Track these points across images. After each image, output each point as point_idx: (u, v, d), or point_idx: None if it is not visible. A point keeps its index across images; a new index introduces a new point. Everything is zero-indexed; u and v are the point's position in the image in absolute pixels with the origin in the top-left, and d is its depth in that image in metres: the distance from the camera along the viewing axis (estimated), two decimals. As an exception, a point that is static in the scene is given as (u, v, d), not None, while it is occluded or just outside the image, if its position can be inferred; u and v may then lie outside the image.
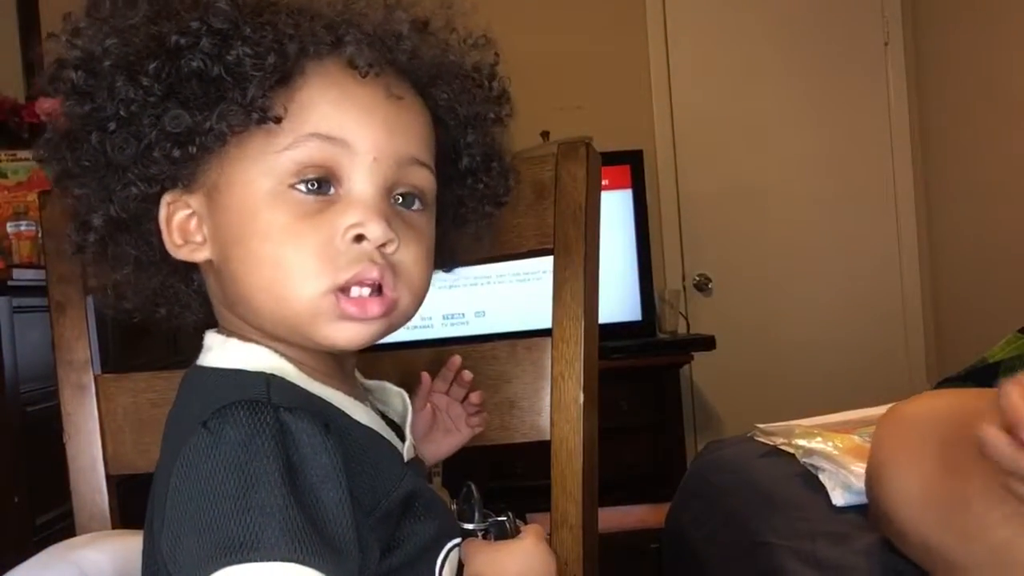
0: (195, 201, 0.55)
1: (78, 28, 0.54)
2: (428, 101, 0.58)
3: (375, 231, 0.52)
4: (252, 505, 0.45)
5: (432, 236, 0.58)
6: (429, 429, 0.73)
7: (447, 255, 0.65)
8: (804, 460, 1.12)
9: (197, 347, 0.58)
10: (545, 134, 2.71)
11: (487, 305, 2.65)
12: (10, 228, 1.98)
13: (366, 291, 0.52)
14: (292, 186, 0.52)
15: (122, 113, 0.52)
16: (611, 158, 2.54)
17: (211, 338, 0.57)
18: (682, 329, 2.91)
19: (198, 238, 0.56)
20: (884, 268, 3.14)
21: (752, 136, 3.08)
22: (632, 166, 2.76)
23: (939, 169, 3.06)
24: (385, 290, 0.53)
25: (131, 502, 0.82)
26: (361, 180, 0.53)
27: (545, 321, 0.81)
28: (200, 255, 0.56)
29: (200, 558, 0.44)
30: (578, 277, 0.80)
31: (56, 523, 1.75)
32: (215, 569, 0.44)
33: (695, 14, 3.09)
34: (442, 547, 0.58)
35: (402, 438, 0.60)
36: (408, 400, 0.63)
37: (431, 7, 0.58)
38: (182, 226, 0.56)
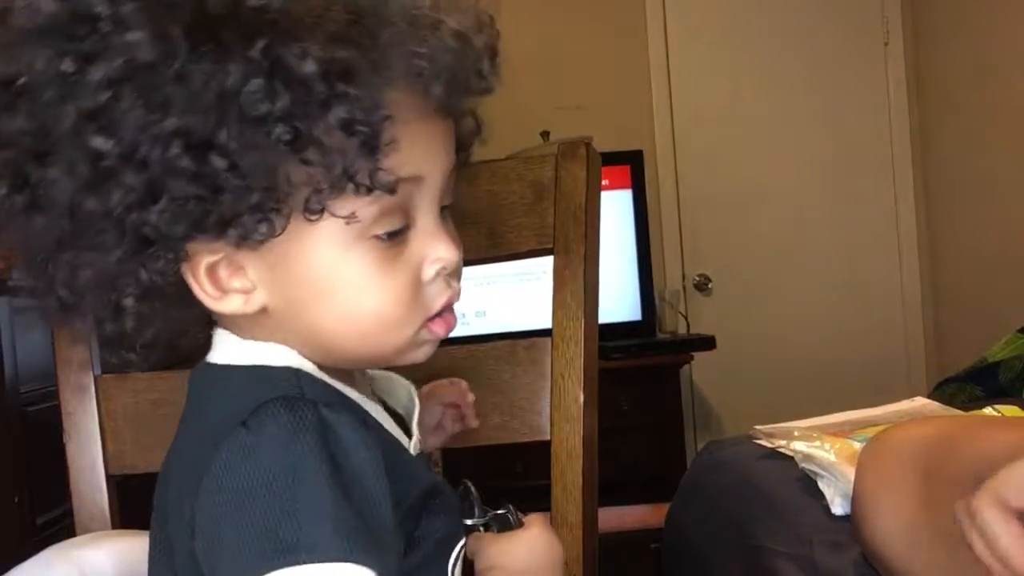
0: (228, 248, 0.48)
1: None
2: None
3: (453, 259, 0.52)
4: (301, 504, 0.44)
5: None
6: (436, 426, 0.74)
7: None
8: (803, 465, 1.12)
9: (200, 344, 0.55)
10: (545, 134, 2.71)
11: (487, 305, 2.65)
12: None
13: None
14: (372, 236, 0.49)
15: (184, 192, 0.44)
16: (611, 158, 2.54)
17: (222, 335, 0.54)
18: (682, 329, 2.92)
19: (235, 284, 0.50)
20: (884, 268, 3.14)
21: (752, 136, 3.08)
22: (632, 166, 2.76)
23: (939, 169, 3.06)
24: None
25: (131, 502, 0.82)
26: (429, 212, 0.52)
27: (545, 321, 0.81)
28: (252, 306, 0.50)
29: (249, 560, 0.43)
30: (578, 277, 0.80)
31: (56, 523, 1.75)
32: (268, 571, 0.43)
33: (695, 14, 3.09)
34: (453, 546, 0.57)
35: (407, 432, 0.59)
36: (415, 393, 0.62)
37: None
38: (210, 273, 0.49)
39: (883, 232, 3.14)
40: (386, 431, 0.55)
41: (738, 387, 3.03)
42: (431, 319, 0.53)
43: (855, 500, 0.85)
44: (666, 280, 3.05)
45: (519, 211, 0.81)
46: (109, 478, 0.83)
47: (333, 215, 0.47)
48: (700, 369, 2.97)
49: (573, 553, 0.77)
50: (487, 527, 0.61)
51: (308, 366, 0.52)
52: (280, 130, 0.43)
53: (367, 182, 0.46)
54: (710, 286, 3.12)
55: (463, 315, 2.59)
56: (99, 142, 0.43)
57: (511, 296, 2.61)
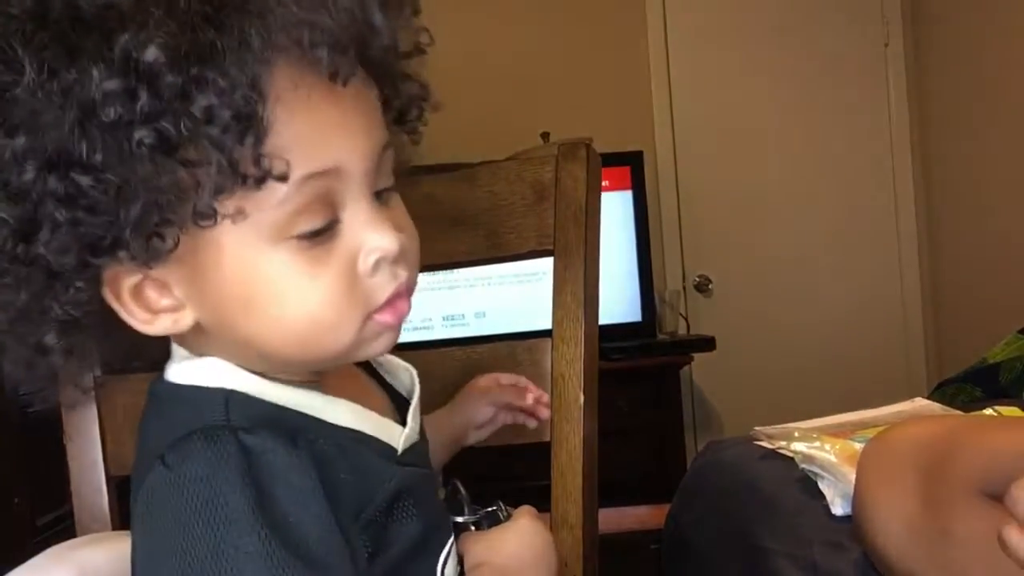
0: (148, 269, 0.46)
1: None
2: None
3: (392, 247, 0.48)
4: (226, 546, 0.43)
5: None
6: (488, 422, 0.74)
7: None
8: (803, 466, 1.12)
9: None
10: (545, 135, 2.71)
11: (487, 306, 2.65)
12: None
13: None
14: (295, 237, 0.46)
15: (60, 217, 0.41)
16: (611, 159, 2.54)
17: (175, 347, 0.52)
18: (682, 330, 2.91)
19: (164, 303, 0.48)
20: (884, 268, 3.14)
21: (752, 137, 3.08)
22: (632, 167, 2.76)
23: (939, 169, 3.06)
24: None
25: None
26: (356, 198, 0.47)
27: (545, 322, 0.81)
28: (183, 324, 0.48)
29: None
30: (578, 278, 0.80)
31: (57, 524, 1.75)
32: None
33: (695, 15, 3.09)
34: (441, 546, 0.56)
35: (403, 422, 0.57)
36: (416, 377, 0.61)
37: None
38: (135, 295, 0.47)
39: (883, 232, 3.14)
40: (352, 434, 0.52)
41: (738, 388, 3.03)
42: (377, 310, 0.49)
43: (856, 498, 0.85)
44: (666, 281, 3.05)
45: (519, 212, 0.81)
46: (109, 478, 0.83)
47: (229, 216, 0.43)
48: (700, 370, 2.97)
49: (573, 553, 0.77)
50: (478, 525, 0.61)
51: (247, 382, 0.49)
52: (142, 134, 0.40)
53: (255, 172, 0.42)
54: (710, 287, 3.12)
55: (463, 315, 2.61)
56: None
57: (511, 297, 2.61)
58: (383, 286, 0.49)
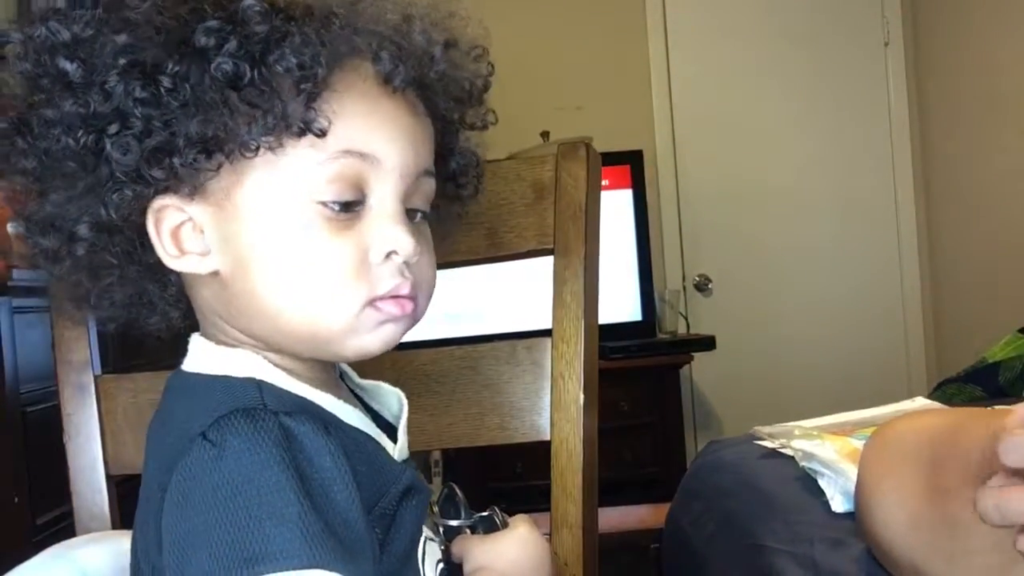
0: (195, 208, 0.52)
1: (73, 15, 0.50)
2: (428, 104, 0.58)
3: (407, 248, 0.51)
4: (266, 515, 0.44)
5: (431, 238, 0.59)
6: None
7: None
8: (803, 464, 1.12)
9: (182, 350, 0.56)
10: (545, 134, 2.72)
11: (487, 305, 2.65)
12: (10, 228, 1.97)
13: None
14: (323, 203, 0.50)
15: (135, 115, 0.48)
16: (611, 158, 2.54)
17: (197, 342, 0.55)
18: (682, 329, 2.91)
19: (196, 247, 0.52)
20: (884, 268, 3.14)
21: (752, 136, 3.08)
22: (632, 166, 2.76)
23: (939, 169, 3.06)
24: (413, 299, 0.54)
25: (131, 502, 0.81)
26: (388, 196, 0.52)
27: (545, 321, 0.81)
28: (206, 267, 0.53)
29: (216, 572, 0.43)
30: (578, 277, 0.80)
31: (56, 523, 1.75)
32: None
33: (695, 15, 3.09)
34: (416, 544, 0.57)
35: (394, 439, 0.59)
36: (404, 399, 0.63)
37: (439, 16, 0.57)
38: (174, 234, 0.52)
39: (883, 232, 3.14)
40: (362, 433, 0.55)
41: (738, 387, 3.03)
42: (380, 298, 0.52)
43: (859, 489, 0.85)
44: (666, 280, 3.05)
45: (519, 211, 0.81)
46: (109, 478, 0.83)
47: (271, 151, 0.49)
48: (700, 369, 2.97)
49: (573, 553, 0.77)
50: (473, 529, 0.61)
51: (274, 374, 0.52)
52: (221, 64, 0.47)
53: (300, 121, 0.48)
54: (710, 286, 3.12)
55: (463, 315, 2.60)
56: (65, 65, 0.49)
57: (511, 296, 2.61)
58: (389, 277, 0.52)
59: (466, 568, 0.59)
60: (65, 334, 0.83)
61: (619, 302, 2.71)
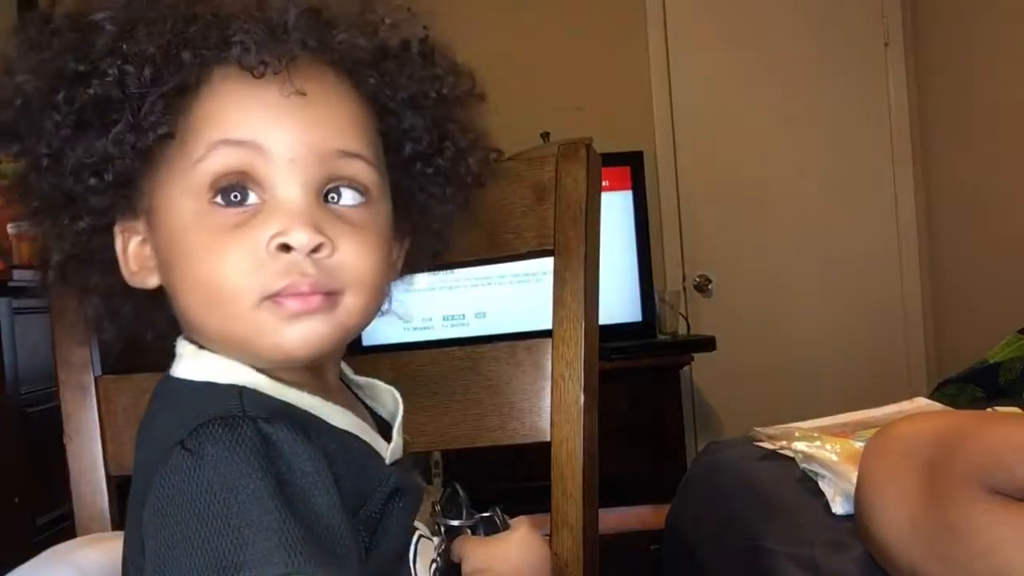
0: (141, 226, 0.54)
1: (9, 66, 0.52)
2: (362, 87, 0.55)
3: (300, 238, 0.49)
4: (244, 523, 0.44)
5: (382, 228, 0.55)
6: None
7: (425, 247, 0.64)
8: (803, 465, 1.12)
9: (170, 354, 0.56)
10: (545, 135, 2.71)
11: (487, 306, 2.65)
12: (11, 229, 1.98)
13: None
14: (212, 201, 0.50)
15: (45, 150, 0.51)
16: (611, 159, 2.54)
17: (182, 346, 0.55)
18: (682, 330, 2.91)
19: (148, 264, 0.55)
20: (884, 268, 3.14)
21: (752, 137, 3.08)
22: (632, 167, 2.76)
23: (939, 169, 3.06)
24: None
25: (131, 503, 0.81)
26: (282, 184, 0.50)
27: (545, 322, 0.81)
28: (150, 281, 0.55)
29: None
30: (578, 278, 0.80)
31: (56, 524, 1.75)
32: None
33: (695, 15, 3.09)
34: (408, 543, 0.57)
35: (388, 438, 0.59)
36: (399, 397, 0.62)
37: None
38: (137, 253, 0.55)
39: (883, 232, 3.13)
40: (350, 436, 0.54)
41: (738, 388, 3.03)
42: (272, 296, 0.49)
43: (859, 492, 0.85)
44: (666, 281, 3.05)
45: (519, 212, 0.81)
46: (109, 478, 0.83)
47: (152, 159, 0.51)
48: (700, 370, 2.97)
49: (573, 554, 0.77)
50: (474, 529, 0.61)
51: (257, 379, 0.51)
52: (86, 89, 0.50)
53: (150, 126, 0.50)
54: (710, 287, 3.12)
55: (463, 316, 2.61)
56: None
57: (511, 297, 2.61)
58: (278, 275, 0.49)
59: (465, 568, 0.59)
60: (65, 335, 0.83)
61: (619, 303, 2.71)
